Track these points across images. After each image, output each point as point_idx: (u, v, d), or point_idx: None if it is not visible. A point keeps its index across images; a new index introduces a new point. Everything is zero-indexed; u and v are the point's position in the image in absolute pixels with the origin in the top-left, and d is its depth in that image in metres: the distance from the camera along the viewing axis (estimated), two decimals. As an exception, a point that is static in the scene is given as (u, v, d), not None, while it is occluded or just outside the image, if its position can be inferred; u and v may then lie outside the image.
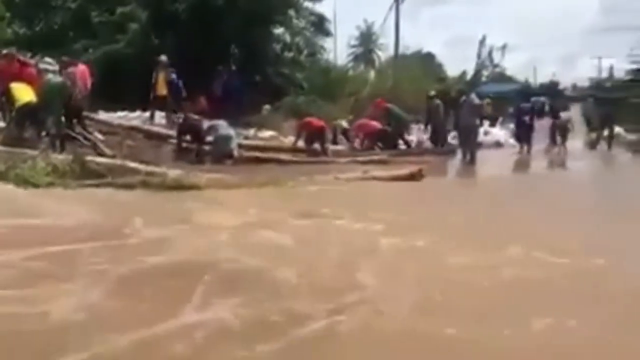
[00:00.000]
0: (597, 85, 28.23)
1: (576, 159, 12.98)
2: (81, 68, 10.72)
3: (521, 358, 2.50)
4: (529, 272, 3.57)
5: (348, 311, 2.85)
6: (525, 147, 13.97)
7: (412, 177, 8.34)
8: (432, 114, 14.35)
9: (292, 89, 18.37)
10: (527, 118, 14.47)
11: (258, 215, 5.22)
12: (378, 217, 5.06)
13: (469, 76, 32.81)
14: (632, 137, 15.51)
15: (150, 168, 7.50)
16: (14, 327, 2.60)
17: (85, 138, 9.13)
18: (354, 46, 42.54)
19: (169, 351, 2.40)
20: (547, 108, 21.20)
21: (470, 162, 11.49)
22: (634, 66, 20.38)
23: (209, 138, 10.41)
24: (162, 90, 12.46)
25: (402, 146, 13.54)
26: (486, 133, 15.83)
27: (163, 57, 12.70)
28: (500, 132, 17.10)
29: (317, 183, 7.73)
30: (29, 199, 5.64)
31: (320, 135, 12.00)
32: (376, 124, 13.53)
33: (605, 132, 14.73)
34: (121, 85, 13.66)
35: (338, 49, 31.07)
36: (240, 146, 10.91)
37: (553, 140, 15.03)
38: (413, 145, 14.14)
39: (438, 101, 14.49)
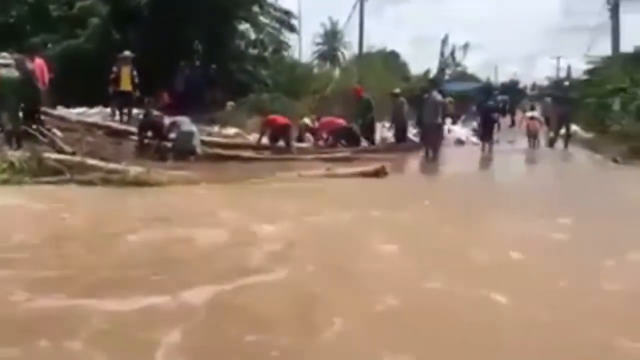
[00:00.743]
0: (556, 85, 28.95)
1: (533, 158, 13.38)
2: (38, 62, 10.44)
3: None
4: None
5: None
6: (487, 145, 14.23)
7: (376, 174, 8.44)
8: (396, 112, 14.48)
9: (257, 85, 18.24)
10: (494, 115, 14.74)
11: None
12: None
13: (432, 74, 33.18)
14: (588, 135, 15.97)
15: (110, 165, 7.39)
16: None
17: (43, 135, 8.90)
18: (318, 44, 42.55)
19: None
20: (507, 107, 21.74)
21: (433, 159, 11.66)
22: (590, 66, 20.91)
23: (172, 135, 10.28)
24: (126, 85, 12.25)
25: (364, 143, 13.61)
26: (449, 131, 16.06)
27: (127, 52, 12.49)
28: (462, 130, 17.40)
29: (280, 180, 7.75)
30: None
31: (285, 132, 11.97)
32: (341, 122, 13.58)
33: (563, 131, 15.12)
34: (81, 80, 13.35)
35: (303, 47, 31.09)
36: (203, 143, 10.81)
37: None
38: (377, 142, 14.26)
39: (402, 99, 14.62)
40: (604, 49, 24.31)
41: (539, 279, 3.60)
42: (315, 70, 27.76)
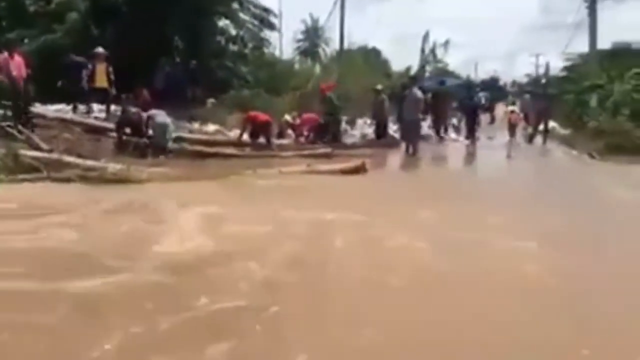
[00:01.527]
0: (535, 82, 29.30)
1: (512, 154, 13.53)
2: (17, 60, 10.27)
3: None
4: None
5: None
6: (470, 142, 14.44)
7: (356, 170, 8.48)
8: (377, 108, 14.49)
9: (237, 82, 18.21)
10: (477, 112, 14.92)
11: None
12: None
13: (413, 71, 33.37)
14: (565, 131, 16.18)
15: (88, 162, 7.33)
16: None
17: (20, 132, 8.79)
18: (299, 41, 42.51)
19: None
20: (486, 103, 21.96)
21: (412, 154, 11.74)
22: (568, 63, 21.18)
23: (150, 132, 10.19)
24: (102, 82, 12.13)
25: (286, 139, 13.42)
26: (429, 127, 16.14)
27: (100, 49, 12.38)
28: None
29: (261, 177, 7.74)
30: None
31: (266, 129, 11.94)
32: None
33: (541, 127, 15.31)
34: (59, 76, 13.16)
35: (284, 44, 31.00)
36: (184, 140, 10.76)
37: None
38: (355, 139, 14.25)
39: (384, 96, 14.66)
40: (582, 46, 24.63)
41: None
42: (296, 66, 27.73)
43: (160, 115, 10.32)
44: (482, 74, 42.21)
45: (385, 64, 33.99)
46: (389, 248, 4.25)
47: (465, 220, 5.15)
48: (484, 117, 16.61)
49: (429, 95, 15.43)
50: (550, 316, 2.98)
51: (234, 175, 7.62)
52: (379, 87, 15.19)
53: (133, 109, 10.59)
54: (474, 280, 3.58)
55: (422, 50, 40.47)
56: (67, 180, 6.60)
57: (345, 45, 27.65)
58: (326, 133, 13.19)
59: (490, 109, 22.82)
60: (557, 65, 25.40)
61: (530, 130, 15.91)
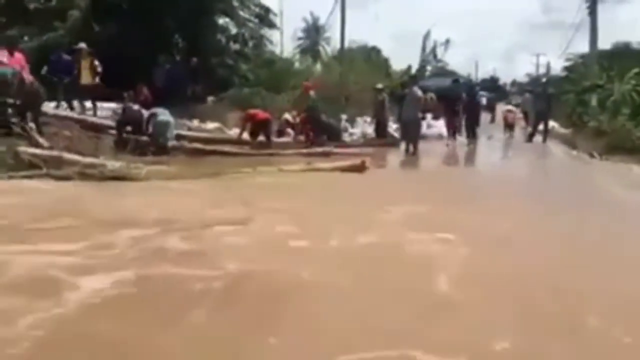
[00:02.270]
0: (535, 81, 29.34)
1: (512, 153, 13.59)
2: (18, 57, 10.25)
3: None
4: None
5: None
6: (471, 141, 14.45)
7: (357, 168, 8.47)
8: (378, 107, 14.49)
9: (237, 80, 18.19)
10: (478, 111, 14.94)
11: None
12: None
13: (413, 70, 33.39)
14: (565, 131, 16.19)
15: (88, 159, 7.32)
16: None
17: (24, 129, 8.77)
18: (300, 39, 42.51)
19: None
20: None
21: (412, 154, 11.73)
22: (568, 63, 21.21)
23: (150, 129, 10.19)
24: (86, 79, 12.12)
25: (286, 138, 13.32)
26: (429, 126, 16.15)
27: (82, 45, 12.41)
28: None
29: (260, 174, 7.74)
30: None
31: (265, 127, 11.95)
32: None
33: (541, 126, 15.31)
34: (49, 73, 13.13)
35: (285, 42, 30.93)
36: (184, 137, 10.76)
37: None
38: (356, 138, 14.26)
39: (385, 95, 14.66)
40: (582, 45, 24.64)
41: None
42: (297, 65, 27.70)
43: (163, 114, 10.31)
44: (482, 73, 42.29)
45: (385, 62, 33.97)
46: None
47: (465, 220, 5.12)
48: (484, 117, 16.61)
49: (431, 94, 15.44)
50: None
51: (234, 174, 7.61)
52: (380, 86, 15.18)
53: (134, 107, 10.59)
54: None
55: (423, 49, 40.53)
56: (66, 177, 6.60)
57: (346, 44, 27.61)
58: (325, 132, 13.16)
59: (491, 108, 22.85)
60: (557, 65, 25.44)
61: (530, 129, 15.91)
